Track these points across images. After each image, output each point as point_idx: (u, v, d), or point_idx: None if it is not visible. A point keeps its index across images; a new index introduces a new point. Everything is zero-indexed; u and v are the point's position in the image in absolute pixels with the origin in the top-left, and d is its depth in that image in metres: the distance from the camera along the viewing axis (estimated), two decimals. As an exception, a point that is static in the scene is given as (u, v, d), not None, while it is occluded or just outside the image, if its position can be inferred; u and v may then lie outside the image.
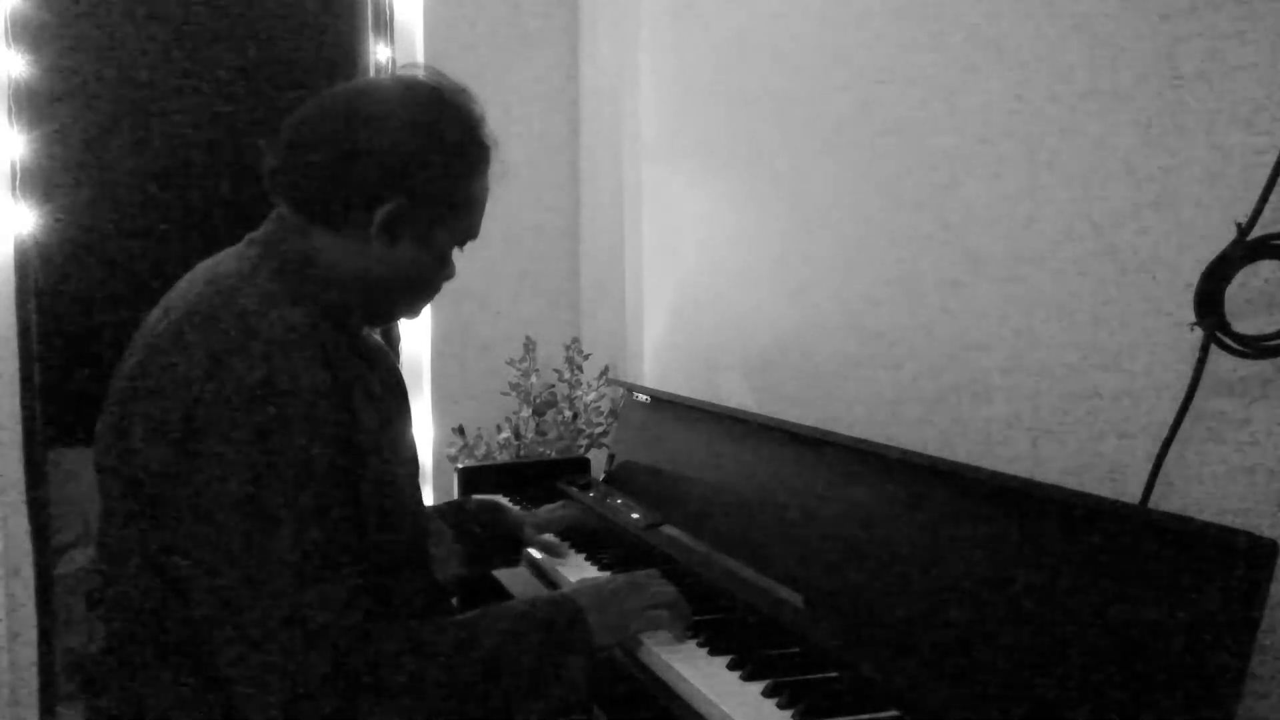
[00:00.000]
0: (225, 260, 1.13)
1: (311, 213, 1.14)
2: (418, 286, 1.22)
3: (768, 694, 1.06)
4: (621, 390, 2.31)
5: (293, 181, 1.14)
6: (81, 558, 2.44)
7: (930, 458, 1.27)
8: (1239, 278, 1.04)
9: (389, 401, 1.21)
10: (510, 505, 1.78)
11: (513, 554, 1.62)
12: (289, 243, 1.14)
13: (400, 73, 1.22)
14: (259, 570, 0.96)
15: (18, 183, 2.24)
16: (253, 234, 1.17)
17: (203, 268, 1.13)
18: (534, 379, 2.47)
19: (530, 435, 2.42)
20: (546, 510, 1.71)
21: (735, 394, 2.05)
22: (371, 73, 2.63)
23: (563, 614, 1.14)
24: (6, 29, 2.23)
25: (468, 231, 1.22)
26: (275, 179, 1.16)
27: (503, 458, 2.41)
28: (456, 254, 1.25)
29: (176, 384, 0.99)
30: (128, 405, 1.03)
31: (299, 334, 1.03)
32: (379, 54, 2.63)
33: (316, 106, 1.15)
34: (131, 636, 1.06)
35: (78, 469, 2.42)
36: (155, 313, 1.10)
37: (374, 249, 1.14)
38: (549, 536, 1.66)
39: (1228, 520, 1.03)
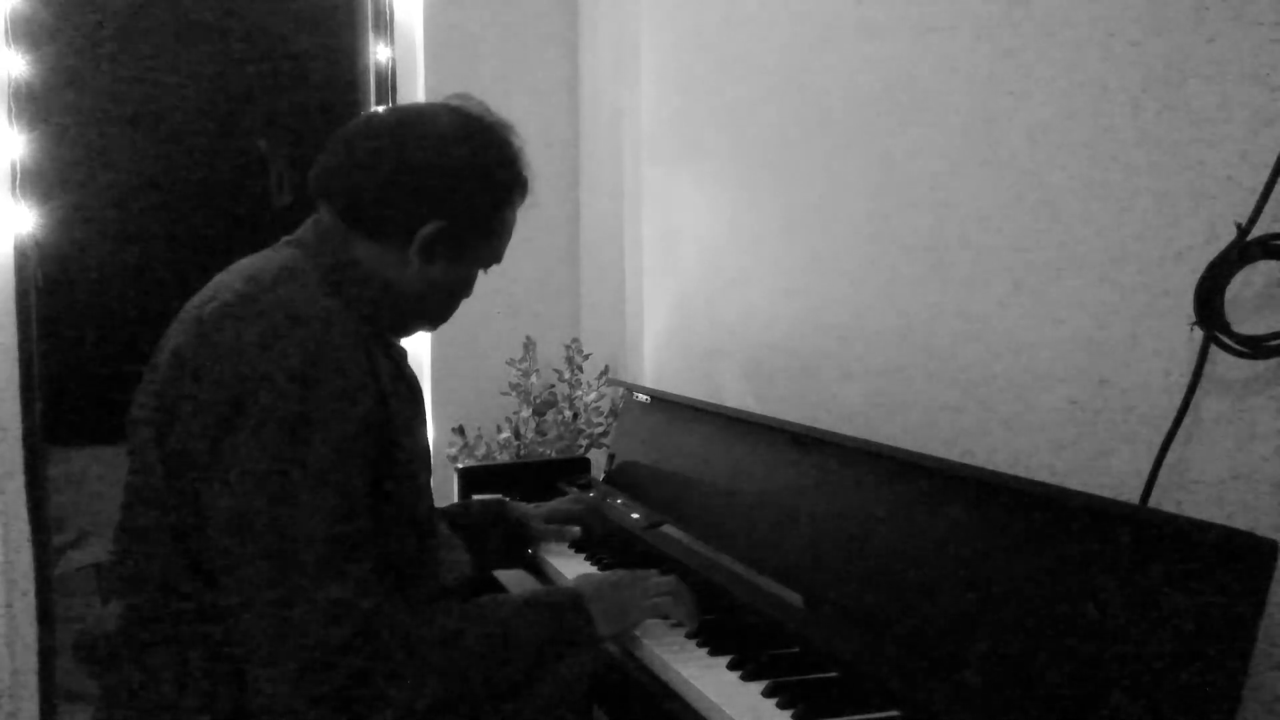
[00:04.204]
0: (267, 257, 1.18)
1: (356, 221, 1.19)
2: (442, 304, 1.29)
3: (768, 694, 1.06)
4: (621, 390, 2.31)
5: (343, 190, 1.19)
6: (81, 558, 2.44)
7: (930, 457, 1.27)
8: (1239, 278, 1.04)
9: (410, 401, 1.24)
10: (514, 501, 1.79)
11: (520, 549, 1.64)
12: (331, 246, 1.18)
13: (451, 101, 1.28)
14: (286, 546, 0.99)
15: (18, 183, 2.24)
16: (290, 236, 1.22)
17: (243, 263, 1.18)
18: (534, 379, 2.47)
19: (530, 435, 2.43)
20: (555, 502, 1.74)
21: (735, 394, 2.05)
22: (371, 73, 2.63)
23: (566, 601, 1.19)
24: (6, 29, 2.23)
25: (493, 256, 1.30)
26: (326, 185, 1.20)
27: (503, 458, 2.41)
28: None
29: (224, 365, 1.03)
30: (172, 385, 1.07)
31: (342, 325, 1.08)
32: (379, 54, 2.63)
33: (373, 122, 1.23)
34: (150, 615, 1.09)
35: (78, 469, 2.42)
36: (199, 298, 1.14)
37: (410, 265, 1.20)
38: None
39: (1228, 520, 1.03)
